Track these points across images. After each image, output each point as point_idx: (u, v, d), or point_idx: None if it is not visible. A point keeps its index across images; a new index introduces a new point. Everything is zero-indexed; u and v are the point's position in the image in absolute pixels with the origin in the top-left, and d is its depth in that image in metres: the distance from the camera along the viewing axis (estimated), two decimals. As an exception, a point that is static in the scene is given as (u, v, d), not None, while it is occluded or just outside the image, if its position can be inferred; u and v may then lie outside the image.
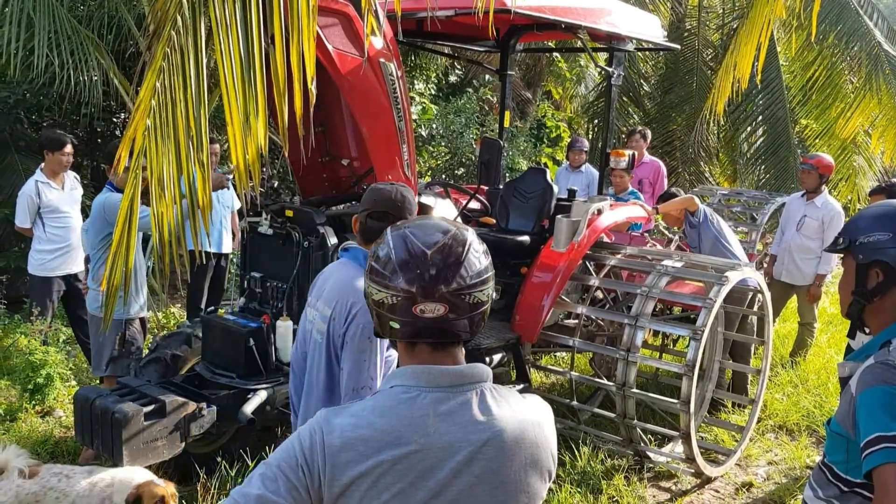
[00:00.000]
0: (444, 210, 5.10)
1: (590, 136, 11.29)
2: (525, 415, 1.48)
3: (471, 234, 1.49)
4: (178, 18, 3.01)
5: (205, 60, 2.92)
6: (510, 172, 10.44)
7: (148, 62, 3.01)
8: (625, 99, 11.23)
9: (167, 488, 3.34)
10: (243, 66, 2.87)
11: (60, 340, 6.14)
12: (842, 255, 2.09)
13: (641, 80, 11.78)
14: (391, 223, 1.60)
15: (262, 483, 1.36)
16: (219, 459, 4.27)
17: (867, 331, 2.04)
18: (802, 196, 6.88)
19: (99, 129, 9.07)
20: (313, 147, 3.69)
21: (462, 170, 11.22)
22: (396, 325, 1.46)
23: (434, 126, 11.09)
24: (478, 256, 1.47)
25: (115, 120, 9.31)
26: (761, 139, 11.36)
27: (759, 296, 5.54)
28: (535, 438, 1.48)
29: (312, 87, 2.94)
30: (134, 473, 3.46)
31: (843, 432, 1.86)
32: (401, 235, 1.47)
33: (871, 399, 1.78)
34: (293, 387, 2.85)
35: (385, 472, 1.36)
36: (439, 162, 11.26)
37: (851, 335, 2.21)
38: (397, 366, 1.52)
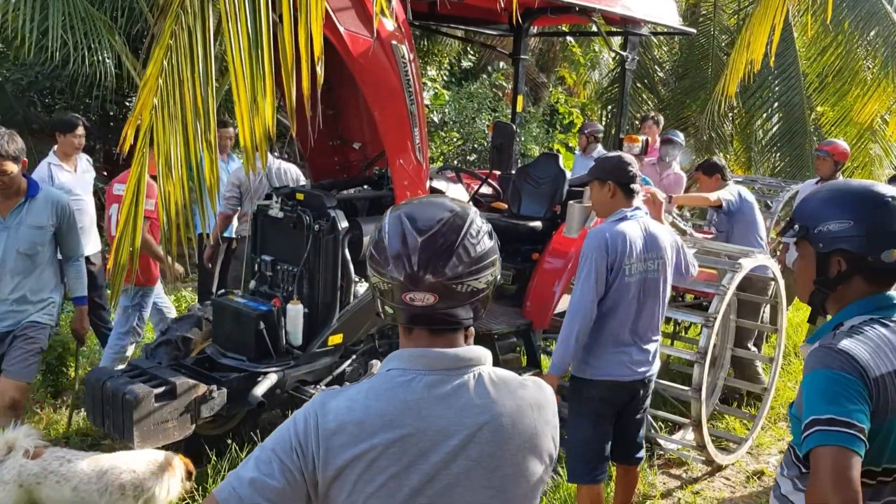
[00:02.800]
0: (455, 195, 5.07)
1: (603, 122, 11.19)
2: (524, 398, 1.46)
3: (470, 218, 1.44)
4: None
5: (212, 39, 2.90)
6: (522, 158, 10.38)
7: (156, 39, 3.00)
8: (639, 85, 11.13)
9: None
10: (251, 44, 2.85)
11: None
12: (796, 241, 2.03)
13: (656, 66, 11.67)
14: None
15: (256, 466, 1.36)
16: (229, 442, 4.28)
17: (828, 316, 2.01)
18: (817, 183, 6.81)
19: (111, 113, 9.09)
20: (321, 128, 3.66)
21: (474, 156, 11.18)
22: (391, 311, 1.45)
23: (446, 112, 11.04)
24: (474, 243, 1.42)
25: (127, 103, 9.32)
26: (777, 126, 11.24)
27: (773, 284, 5.49)
28: (534, 422, 1.46)
29: (319, 68, 2.91)
30: (136, 459, 3.45)
31: (797, 415, 1.85)
32: (397, 219, 1.44)
33: (811, 383, 1.78)
34: None
35: (379, 456, 1.35)
36: (451, 147, 11.22)
37: (812, 320, 2.18)
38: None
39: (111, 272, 3.37)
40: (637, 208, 3.68)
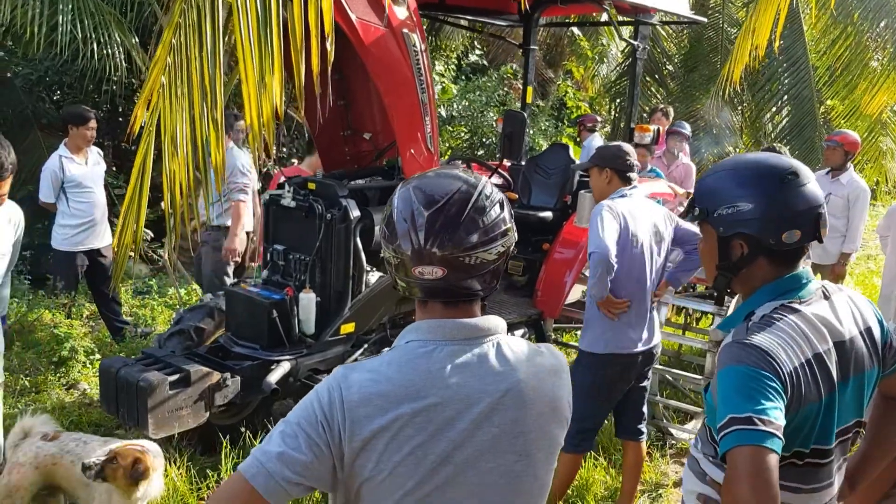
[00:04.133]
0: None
1: (612, 115, 11.19)
2: (542, 363, 1.49)
3: (479, 189, 1.43)
4: None
5: (221, 18, 2.89)
6: (530, 152, 10.38)
7: (166, 19, 3.00)
8: (647, 78, 11.12)
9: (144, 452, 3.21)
10: (260, 22, 2.84)
11: (84, 315, 6.20)
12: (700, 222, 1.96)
13: (664, 59, 11.64)
14: None
15: (282, 440, 1.35)
16: (242, 430, 4.29)
17: (736, 296, 1.99)
18: (827, 174, 6.77)
19: (120, 108, 9.09)
20: (332, 118, 3.65)
21: (482, 150, 11.16)
22: (403, 284, 1.46)
23: (454, 106, 11.02)
24: (482, 215, 1.41)
25: (135, 99, 9.34)
26: (786, 119, 11.21)
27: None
28: (553, 386, 1.49)
29: (329, 44, 2.90)
30: (146, 445, 3.44)
31: (712, 403, 1.81)
32: (407, 193, 1.44)
33: (726, 379, 1.72)
34: None
35: (405, 425, 1.35)
36: (459, 142, 11.21)
37: (719, 303, 2.13)
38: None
39: (116, 251, 3.36)
40: (634, 186, 3.83)
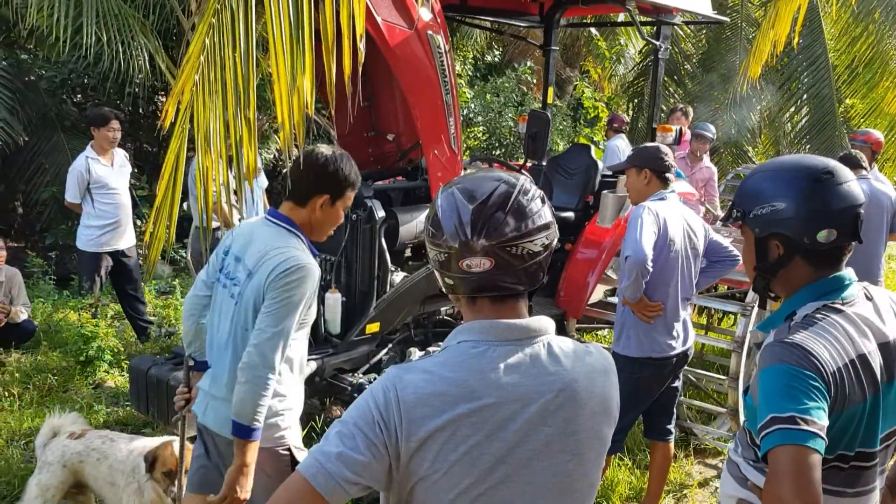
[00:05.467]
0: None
1: (630, 116, 11.16)
2: (592, 365, 1.49)
3: (521, 183, 1.46)
4: None
5: (254, 18, 2.92)
6: (549, 153, 10.38)
7: (197, 21, 3.04)
8: (665, 78, 11.08)
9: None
10: (292, 23, 2.86)
11: (109, 315, 6.26)
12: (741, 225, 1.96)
13: (683, 59, 11.60)
14: None
15: (340, 441, 1.36)
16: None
17: (777, 297, 1.96)
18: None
19: (142, 110, 9.18)
20: (361, 108, 3.67)
21: (500, 150, 11.17)
22: (451, 281, 1.47)
23: (472, 107, 11.04)
24: (525, 205, 1.43)
25: (158, 101, 9.42)
26: (805, 118, 11.14)
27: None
28: (604, 386, 1.50)
29: (361, 44, 2.92)
30: (172, 442, 3.42)
31: (752, 405, 1.80)
32: (450, 194, 1.47)
33: (768, 379, 1.71)
34: None
35: (461, 425, 1.36)
36: (477, 143, 11.23)
37: (762, 306, 2.12)
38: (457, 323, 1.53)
39: (147, 243, 3.40)
40: (672, 191, 3.85)
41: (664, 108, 10.34)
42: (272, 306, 2.48)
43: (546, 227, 1.46)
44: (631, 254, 3.52)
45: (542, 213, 1.46)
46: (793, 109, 11.36)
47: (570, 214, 5.61)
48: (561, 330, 5.30)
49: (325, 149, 2.75)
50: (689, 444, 5.02)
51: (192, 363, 2.89)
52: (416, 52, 4.26)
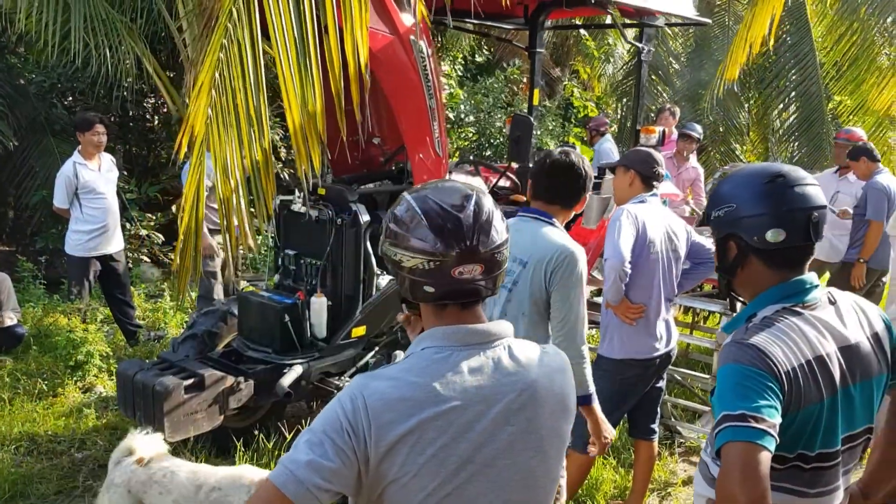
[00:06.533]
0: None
1: (618, 115, 11.21)
2: (550, 364, 1.57)
3: (487, 195, 1.54)
4: (234, 11, 3.08)
5: (261, 49, 3.01)
6: (537, 152, 10.42)
7: (201, 53, 3.10)
8: (653, 77, 11.12)
9: None
10: (298, 54, 2.94)
11: (98, 320, 6.28)
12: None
13: (671, 58, 11.65)
14: None
15: (309, 449, 1.39)
16: (256, 433, 4.36)
17: (745, 301, 2.00)
18: (835, 172, 6.80)
19: (131, 113, 9.19)
20: (335, 133, 3.77)
21: (490, 150, 11.21)
22: (431, 289, 1.49)
23: (462, 108, 11.08)
24: (499, 216, 1.52)
25: (146, 104, 9.44)
26: (794, 116, 11.20)
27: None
28: (562, 385, 1.57)
29: (367, 74, 3.02)
30: (242, 473, 3.29)
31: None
32: (424, 200, 1.49)
33: (723, 378, 1.77)
34: None
35: (428, 429, 1.41)
36: (467, 143, 11.26)
37: (732, 308, 2.18)
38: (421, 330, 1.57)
39: (177, 275, 3.52)
40: (654, 194, 3.87)
41: (653, 107, 10.40)
42: (565, 290, 2.85)
43: (508, 235, 1.54)
44: (609, 256, 3.57)
45: (504, 221, 1.54)
46: (781, 107, 11.42)
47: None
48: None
49: (573, 156, 3.05)
50: (674, 442, 5.07)
51: None
52: (399, 58, 4.29)
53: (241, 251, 5.83)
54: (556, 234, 2.93)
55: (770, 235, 1.85)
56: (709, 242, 4.01)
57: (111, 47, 6.94)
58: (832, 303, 1.92)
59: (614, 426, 4.05)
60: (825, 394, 1.80)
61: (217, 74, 2.98)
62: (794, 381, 1.75)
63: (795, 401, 1.75)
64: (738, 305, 2.11)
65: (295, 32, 2.95)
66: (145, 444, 3.37)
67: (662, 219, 3.80)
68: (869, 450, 2.09)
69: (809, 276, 1.92)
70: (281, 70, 2.94)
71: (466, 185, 1.54)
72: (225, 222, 3.08)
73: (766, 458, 1.62)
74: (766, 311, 1.88)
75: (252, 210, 3.28)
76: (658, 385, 4.00)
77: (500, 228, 1.51)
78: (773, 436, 1.64)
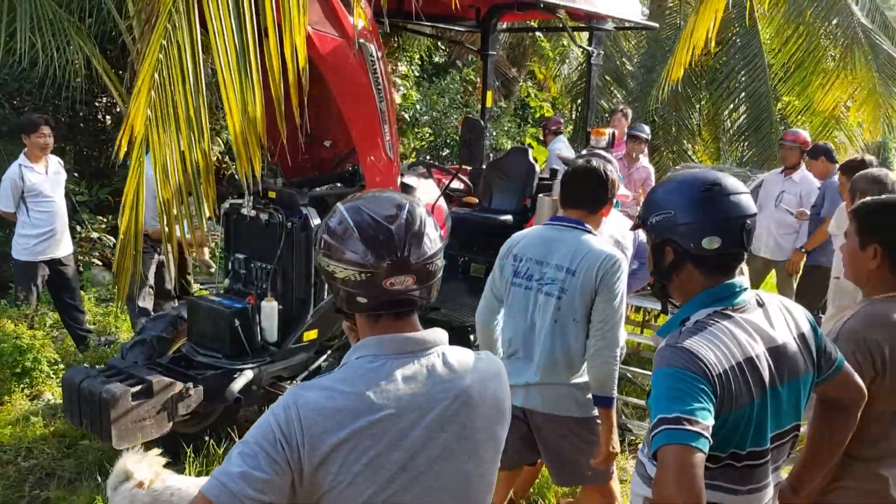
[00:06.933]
0: (426, 190, 5.14)
1: (573, 116, 11.32)
2: (484, 370, 1.59)
3: (421, 206, 1.55)
4: (173, 11, 3.07)
5: (200, 52, 2.99)
6: (495, 153, 10.48)
7: (142, 53, 3.08)
8: (607, 78, 11.25)
9: None
10: (238, 54, 2.94)
11: (47, 325, 6.17)
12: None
13: (624, 59, 11.80)
14: None
15: (242, 460, 1.39)
16: (206, 438, 4.33)
17: (677, 305, 2.06)
18: (780, 173, 6.97)
19: (81, 114, 9.03)
20: (307, 132, 3.78)
21: (447, 150, 11.24)
22: (364, 300, 1.51)
23: (418, 108, 11.09)
24: (432, 225, 1.54)
25: (97, 104, 9.27)
26: (744, 116, 11.43)
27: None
28: (496, 390, 1.60)
29: (305, 79, 3.02)
30: None
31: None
32: (357, 211, 1.51)
33: (658, 382, 1.81)
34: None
35: (362, 438, 1.42)
36: (423, 143, 11.27)
37: (664, 311, 2.23)
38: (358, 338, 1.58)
39: (116, 276, 3.48)
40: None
41: (607, 106, 10.53)
42: (610, 293, 3.00)
43: (442, 244, 1.56)
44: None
45: (438, 231, 1.56)
46: (731, 107, 11.64)
47: (509, 217, 5.69)
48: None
49: (595, 162, 3.21)
50: (624, 440, 5.14)
51: None
52: (348, 61, 4.29)
53: (191, 256, 5.80)
54: (597, 241, 3.10)
55: (706, 242, 1.90)
56: None
57: (59, 47, 6.82)
58: (760, 305, 1.98)
59: None
60: (755, 394, 1.84)
61: (156, 75, 2.96)
62: (726, 384, 1.79)
63: (727, 402, 1.80)
64: (670, 308, 2.16)
65: (235, 34, 2.94)
66: (141, 465, 3.22)
67: (610, 220, 3.86)
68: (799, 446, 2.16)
69: (738, 280, 1.98)
70: (221, 72, 2.92)
71: (401, 196, 1.56)
72: (164, 222, 3.06)
73: (700, 459, 1.67)
74: (698, 315, 1.93)
75: (192, 212, 3.26)
76: None
77: (433, 238, 1.52)
78: (706, 437, 1.69)
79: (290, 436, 1.40)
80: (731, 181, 1.95)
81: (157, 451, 3.37)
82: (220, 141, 8.45)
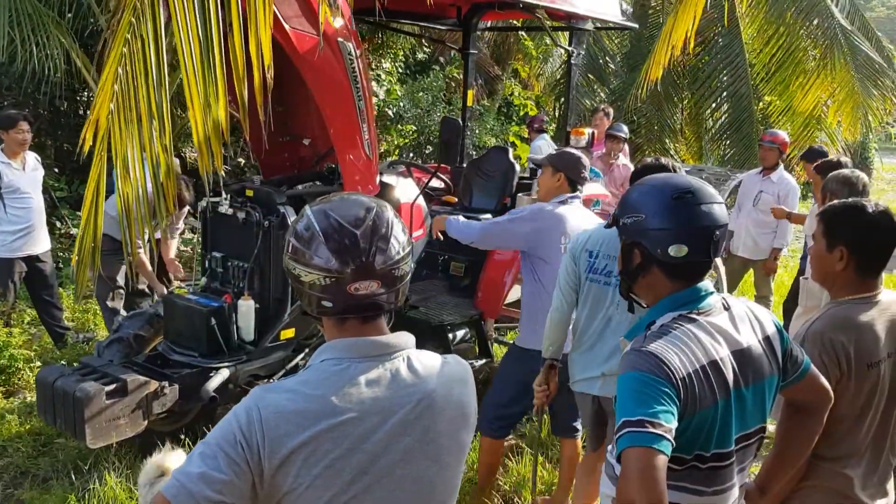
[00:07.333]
0: (406, 189, 5.15)
1: (556, 114, 11.35)
2: (449, 374, 1.59)
3: (389, 209, 1.56)
4: (137, 4, 3.05)
5: (165, 46, 2.97)
6: (478, 151, 10.49)
7: (108, 46, 3.06)
8: (590, 76, 11.30)
9: None
10: (202, 51, 2.92)
11: (25, 322, 6.14)
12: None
13: (607, 58, 11.84)
14: None
15: (202, 461, 1.40)
16: (183, 437, 4.32)
17: (644, 305, 2.08)
18: (759, 173, 7.02)
19: (62, 109, 8.98)
20: (272, 129, 3.77)
21: (430, 148, 11.25)
22: (329, 304, 1.52)
23: (402, 105, 11.09)
24: (400, 230, 1.54)
25: (77, 99, 9.22)
26: (725, 116, 11.50)
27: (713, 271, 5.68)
28: (461, 394, 1.60)
29: (269, 75, 3.00)
30: None
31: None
32: (324, 215, 1.51)
33: (623, 385, 1.82)
34: None
35: (323, 441, 1.43)
36: (407, 140, 11.27)
37: (630, 310, 2.25)
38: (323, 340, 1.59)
39: (75, 269, 3.45)
40: (576, 196, 4.00)
41: (590, 105, 10.56)
42: None
43: (411, 248, 1.57)
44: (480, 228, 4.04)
45: (406, 235, 1.57)
46: (714, 106, 11.71)
47: (489, 216, 5.71)
48: (479, 330, 5.40)
49: (664, 159, 3.34)
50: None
51: (555, 363, 3.54)
52: (327, 60, 4.27)
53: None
54: None
55: (672, 250, 1.90)
56: None
57: (38, 42, 6.78)
58: (726, 308, 1.99)
59: (518, 414, 4.18)
60: (719, 396, 1.86)
61: (120, 69, 2.94)
62: (690, 387, 1.81)
63: (691, 405, 1.81)
64: (636, 307, 2.18)
65: (199, 28, 2.92)
66: (174, 461, 3.25)
67: (581, 219, 3.90)
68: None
69: (704, 284, 1.99)
70: (184, 67, 2.91)
71: (370, 200, 1.57)
72: (125, 220, 3.04)
73: (662, 461, 1.68)
74: (664, 319, 1.94)
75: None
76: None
77: (401, 242, 1.53)
78: (669, 440, 1.70)
79: (250, 437, 1.41)
80: (704, 190, 1.95)
81: (181, 450, 3.39)
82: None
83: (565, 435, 4.16)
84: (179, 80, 3.56)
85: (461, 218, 4.34)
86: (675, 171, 3.34)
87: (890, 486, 2.54)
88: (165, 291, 5.56)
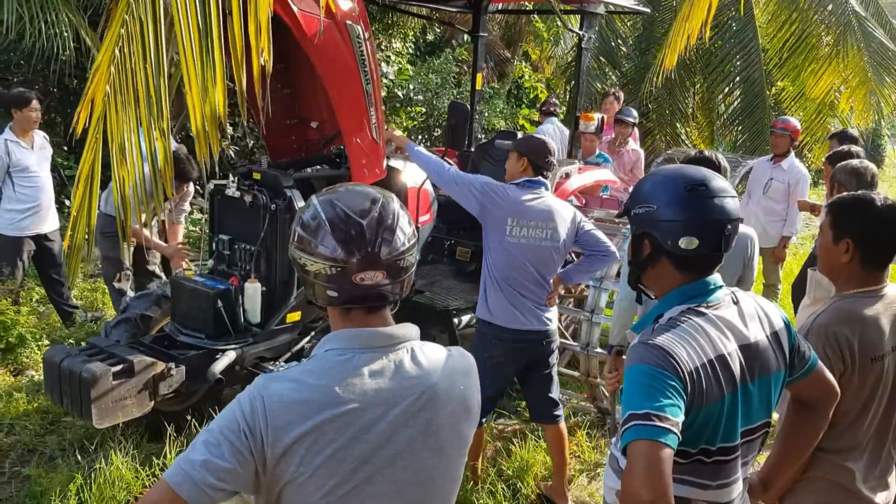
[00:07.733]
0: (412, 173, 5.14)
1: (567, 97, 11.28)
2: (453, 367, 1.60)
3: (396, 201, 1.56)
4: None
5: (163, 29, 2.94)
6: (487, 134, 10.45)
7: (107, 27, 3.03)
8: (602, 59, 11.21)
9: None
10: (201, 34, 2.89)
11: (33, 300, 6.17)
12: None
13: (619, 41, 11.74)
14: None
15: (206, 449, 1.41)
16: (189, 418, 4.35)
17: (652, 296, 2.07)
18: (770, 160, 6.97)
19: (71, 87, 8.97)
20: (270, 116, 3.75)
21: (439, 130, 11.21)
22: (335, 294, 1.52)
23: (411, 87, 11.04)
24: (406, 221, 1.55)
25: (87, 76, 9.19)
26: (738, 101, 11.41)
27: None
28: (464, 387, 1.60)
29: (268, 60, 2.97)
30: None
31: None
32: (330, 205, 1.52)
33: (630, 378, 1.82)
34: None
35: (326, 430, 1.43)
36: (416, 122, 11.23)
37: (639, 301, 2.23)
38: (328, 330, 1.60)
39: (67, 253, 3.44)
40: (537, 181, 3.93)
41: (602, 88, 10.49)
42: (750, 275, 3.71)
43: (416, 239, 1.57)
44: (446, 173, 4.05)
45: (411, 226, 1.57)
46: (726, 91, 11.61)
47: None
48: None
49: (708, 151, 3.39)
50: (605, 423, 5.19)
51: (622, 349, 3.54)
52: (335, 42, 4.26)
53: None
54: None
55: (683, 242, 1.89)
56: (603, 235, 4.08)
57: (47, 20, 6.76)
58: (735, 303, 1.98)
59: (496, 394, 4.15)
60: (726, 391, 1.86)
61: (117, 51, 2.92)
62: (697, 381, 1.81)
63: (698, 399, 1.81)
64: (644, 298, 2.17)
65: (198, 12, 2.89)
66: None
67: (544, 203, 3.88)
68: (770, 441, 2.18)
69: (713, 277, 1.98)
70: (183, 51, 2.88)
71: (376, 190, 1.57)
72: (120, 203, 3.03)
73: (668, 455, 1.68)
74: (672, 312, 1.93)
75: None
76: (546, 372, 4.08)
77: (406, 234, 1.54)
78: (675, 434, 1.70)
79: (254, 426, 1.42)
80: (718, 182, 1.93)
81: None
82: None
83: (546, 421, 4.18)
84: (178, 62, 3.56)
85: (423, 149, 4.28)
86: (718, 164, 3.34)
87: (891, 479, 2.54)
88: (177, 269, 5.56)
